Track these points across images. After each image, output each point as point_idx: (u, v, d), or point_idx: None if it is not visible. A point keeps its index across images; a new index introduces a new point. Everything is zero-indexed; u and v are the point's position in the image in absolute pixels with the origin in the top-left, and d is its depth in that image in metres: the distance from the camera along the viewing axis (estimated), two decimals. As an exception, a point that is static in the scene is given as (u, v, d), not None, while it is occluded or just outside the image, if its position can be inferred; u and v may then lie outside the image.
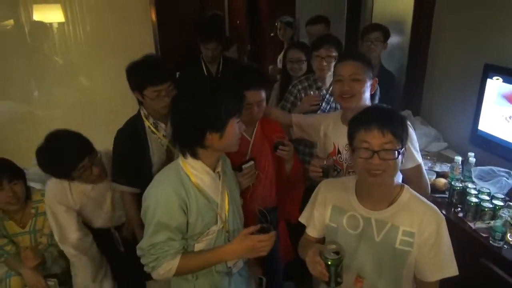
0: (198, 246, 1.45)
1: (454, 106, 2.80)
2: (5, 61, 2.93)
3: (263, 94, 1.80)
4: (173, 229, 1.36)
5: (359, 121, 1.32)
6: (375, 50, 2.91)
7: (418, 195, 1.39)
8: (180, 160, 1.43)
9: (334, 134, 1.88)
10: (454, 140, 2.81)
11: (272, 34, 4.15)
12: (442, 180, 2.37)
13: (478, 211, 2.09)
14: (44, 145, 1.81)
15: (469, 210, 2.13)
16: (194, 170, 1.41)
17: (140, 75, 1.85)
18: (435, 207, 1.37)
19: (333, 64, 2.33)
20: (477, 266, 1.97)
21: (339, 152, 1.84)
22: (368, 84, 1.76)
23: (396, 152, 1.26)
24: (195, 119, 1.33)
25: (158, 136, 1.96)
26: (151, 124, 1.94)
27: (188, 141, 1.40)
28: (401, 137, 1.28)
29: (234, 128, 1.38)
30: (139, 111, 1.97)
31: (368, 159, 1.26)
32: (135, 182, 1.92)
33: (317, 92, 2.47)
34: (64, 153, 1.78)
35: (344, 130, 1.80)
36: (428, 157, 2.65)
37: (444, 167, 2.52)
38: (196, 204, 1.39)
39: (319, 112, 2.46)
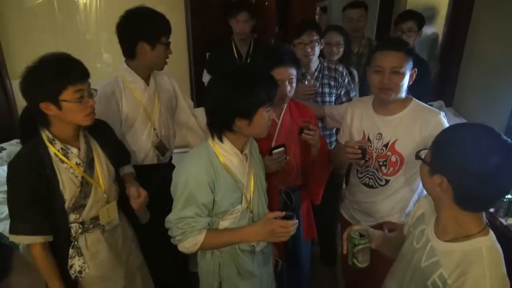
0: (223, 224, 1.48)
1: (489, 99, 2.70)
2: (34, 37, 2.96)
3: (293, 71, 1.77)
4: (201, 206, 1.39)
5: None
6: (407, 41, 2.79)
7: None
8: (209, 140, 1.46)
9: (364, 122, 1.82)
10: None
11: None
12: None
13: (510, 208, 2.03)
14: None
15: (501, 206, 2.07)
16: (223, 151, 1.43)
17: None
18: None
19: (316, 48, 2.32)
20: (507, 263, 1.91)
21: (369, 140, 1.80)
22: (408, 75, 1.67)
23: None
24: (226, 104, 1.35)
25: (69, 165, 1.48)
26: (58, 150, 1.46)
27: (217, 124, 1.42)
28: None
29: (263, 116, 1.38)
30: (38, 135, 1.47)
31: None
32: (43, 228, 1.45)
33: (312, 81, 2.40)
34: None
35: (376, 118, 1.76)
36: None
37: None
38: (223, 183, 1.41)
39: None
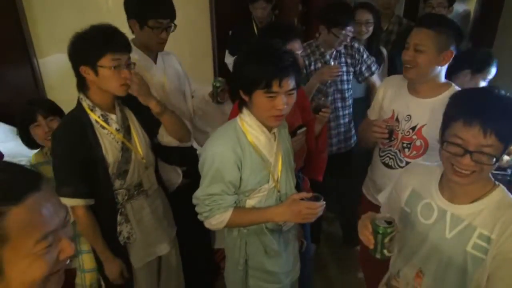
0: (249, 202, 1.47)
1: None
2: (59, 15, 2.98)
3: (299, 45, 1.83)
4: (227, 183, 1.39)
5: (460, 109, 1.06)
6: None
7: None
8: (238, 118, 1.45)
9: (395, 101, 1.77)
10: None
11: None
12: (505, 157, 2.22)
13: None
14: None
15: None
16: (251, 129, 1.42)
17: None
18: None
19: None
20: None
21: (397, 120, 1.75)
22: (439, 56, 1.59)
23: (495, 158, 1.04)
24: (232, 74, 1.43)
25: (110, 131, 1.56)
26: (98, 117, 1.54)
27: (234, 95, 1.45)
28: (507, 141, 1.03)
29: (263, 101, 1.33)
30: (79, 104, 1.56)
31: (457, 156, 1.06)
32: (84, 192, 1.53)
33: (336, 62, 2.38)
34: None
35: (408, 99, 1.72)
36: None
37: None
38: (250, 161, 1.41)
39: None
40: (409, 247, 1.28)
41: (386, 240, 1.16)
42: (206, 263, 2.35)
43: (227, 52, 3.10)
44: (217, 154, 1.38)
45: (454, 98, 1.14)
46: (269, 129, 1.44)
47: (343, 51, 2.45)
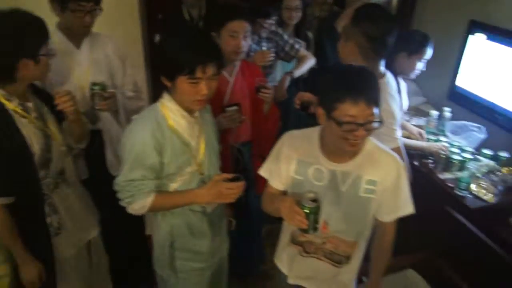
0: (173, 186, 1.50)
1: (434, 62, 2.80)
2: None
3: (249, 27, 1.82)
4: (148, 168, 1.41)
5: (344, 91, 1.20)
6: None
7: (379, 144, 1.40)
8: (159, 103, 1.46)
9: None
10: (432, 96, 2.85)
11: None
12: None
13: (448, 163, 2.18)
14: None
15: (439, 162, 2.22)
16: (171, 113, 1.43)
17: None
18: (395, 155, 1.40)
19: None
20: (442, 212, 2.09)
21: None
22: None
23: (380, 122, 1.23)
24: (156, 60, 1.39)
25: (29, 119, 1.49)
26: (16, 106, 1.47)
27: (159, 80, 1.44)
28: (378, 104, 1.23)
29: (186, 87, 1.34)
30: None
31: (353, 131, 1.21)
32: (6, 190, 1.45)
33: (270, 46, 2.48)
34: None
35: None
36: (407, 111, 2.69)
37: (421, 122, 2.58)
38: (171, 145, 1.42)
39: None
40: None
41: (317, 216, 1.29)
42: (139, 249, 2.36)
43: (157, 36, 3.04)
44: (137, 139, 1.39)
45: (331, 84, 1.26)
46: (191, 113, 1.46)
47: (263, 35, 2.53)
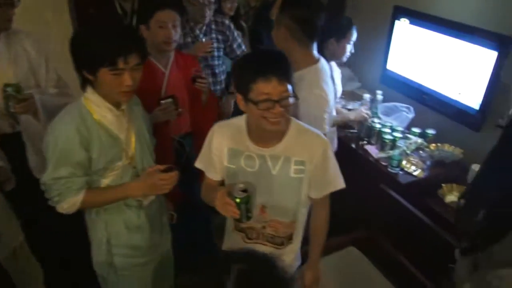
0: (105, 182, 1.46)
1: (367, 48, 2.92)
2: None
3: (178, 16, 1.82)
4: (75, 165, 1.37)
5: (255, 71, 1.24)
6: None
7: (304, 124, 1.44)
8: (82, 97, 1.42)
9: None
10: (366, 80, 2.97)
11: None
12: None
13: (381, 142, 2.29)
14: None
15: (373, 142, 2.33)
16: (96, 107, 1.40)
17: None
18: (320, 133, 1.44)
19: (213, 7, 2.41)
20: (378, 191, 2.20)
21: None
22: None
23: (294, 97, 1.28)
24: (74, 53, 1.34)
25: None
26: None
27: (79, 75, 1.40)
28: (292, 80, 1.29)
29: (109, 78, 1.31)
30: None
31: (270, 109, 1.25)
32: None
33: (208, 38, 2.45)
34: None
35: None
36: (343, 96, 2.79)
37: (356, 105, 2.69)
38: (98, 140, 1.39)
39: None
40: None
41: (248, 205, 1.32)
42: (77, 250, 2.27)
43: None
44: (60, 136, 1.35)
45: (242, 69, 1.30)
46: (117, 106, 1.44)
47: (213, 27, 2.49)
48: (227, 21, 2.54)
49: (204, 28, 2.45)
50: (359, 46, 2.95)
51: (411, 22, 2.44)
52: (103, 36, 1.30)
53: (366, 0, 2.91)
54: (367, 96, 2.58)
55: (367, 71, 2.94)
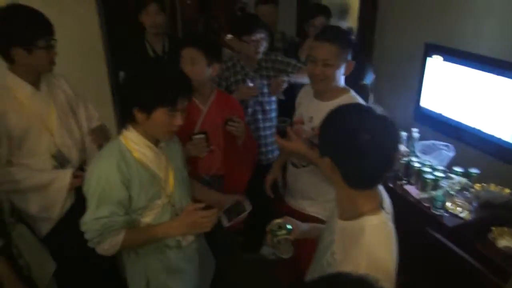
0: (144, 221, 1.44)
1: (399, 85, 2.90)
2: None
3: (200, 53, 1.82)
4: (116, 204, 1.35)
5: None
6: None
7: None
8: (121, 136, 1.42)
9: (304, 106, 1.90)
10: (399, 117, 2.90)
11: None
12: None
13: (421, 182, 2.18)
14: None
15: (413, 182, 2.22)
16: (136, 145, 1.40)
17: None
18: None
19: (264, 45, 2.39)
20: (420, 233, 2.07)
21: (303, 123, 1.87)
22: (343, 67, 1.74)
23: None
24: (127, 92, 1.37)
25: None
26: None
27: (123, 113, 1.42)
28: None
29: (164, 118, 1.34)
30: None
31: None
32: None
33: (255, 83, 2.43)
34: None
35: (312, 102, 1.84)
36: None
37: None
38: (138, 178, 1.38)
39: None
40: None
41: (275, 241, 1.32)
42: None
43: (122, 73, 2.99)
44: (102, 175, 1.34)
45: None
46: (156, 144, 1.43)
47: (263, 64, 2.49)
48: (279, 57, 2.53)
49: (256, 65, 2.46)
50: (390, 84, 2.95)
51: (445, 59, 2.40)
52: (165, 77, 1.33)
53: (397, 38, 2.90)
54: (402, 134, 2.50)
55: (400, 109, 2.88)
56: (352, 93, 1.82)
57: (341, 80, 1.80)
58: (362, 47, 3.17)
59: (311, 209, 1.90)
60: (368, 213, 1.05)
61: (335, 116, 1.09)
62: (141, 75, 1.36)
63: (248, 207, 1.57)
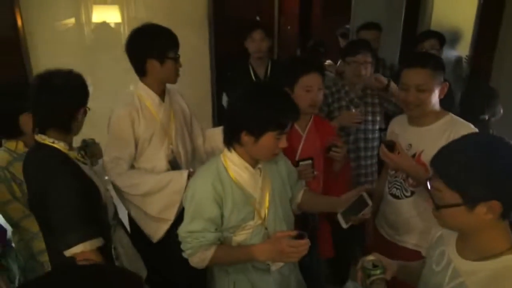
0: (235, 240, 1.43)
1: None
2: (63, 58, 3.06)
3: (321, 79, 1.80)
4: (207, 220, 1.37)
5: None
6: None
7: None
8: (221, 155, 1.45)
9: (399, 134, 1.81)
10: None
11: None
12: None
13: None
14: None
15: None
16: (233, 165, 1.41)
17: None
18: None
19: (369, 70, 2.28)
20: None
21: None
22: (437, 91, 1.64)
23: None
24: (236, 113, 1.38)
25: (89, 166, 1.58)
26: (77, 155, 1.51)
27: (227, 134, 1.42)
28: None
29: (271, 142, 1.34)
30: (40, 144, 1.43)
31: None
32: (96, 230, 1.39)
33: (357, 109, 2.30)
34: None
35: (408, 130, 1.75)
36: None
37: None
38: (232, 197, 1.39)
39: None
40: None
41: (369, 281, 1.20)
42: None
43: (224, 94, 3.12)
44: (196, 190, 1.39)
45: None
46: (253, 165, 1.43)
47: (369, 91, 2.39)
48: (386, 81, 2.36)
49: (361, 93, 2.36)
50: (509, 120, 2.62)
51: None
52: (277, 102, 1.35)
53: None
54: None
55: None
56: (453, 116, 1.68)
57: (437, 104, 1.68)
58: (476, 79, 2.91)
59: (413, 241, 1.74)
60: (508, 252, 0.97)
61: (484, 154, 0.96)
62: (252, 99, 1.37)
63: (370, 201, 1.39)
